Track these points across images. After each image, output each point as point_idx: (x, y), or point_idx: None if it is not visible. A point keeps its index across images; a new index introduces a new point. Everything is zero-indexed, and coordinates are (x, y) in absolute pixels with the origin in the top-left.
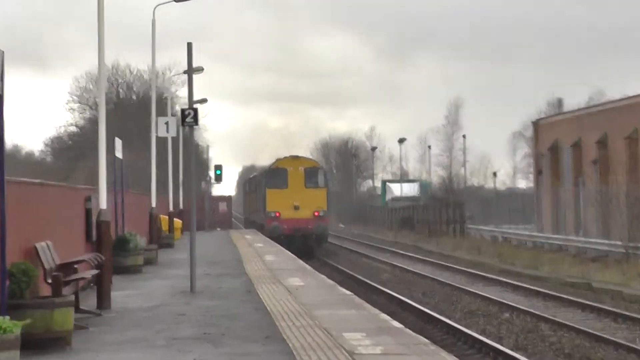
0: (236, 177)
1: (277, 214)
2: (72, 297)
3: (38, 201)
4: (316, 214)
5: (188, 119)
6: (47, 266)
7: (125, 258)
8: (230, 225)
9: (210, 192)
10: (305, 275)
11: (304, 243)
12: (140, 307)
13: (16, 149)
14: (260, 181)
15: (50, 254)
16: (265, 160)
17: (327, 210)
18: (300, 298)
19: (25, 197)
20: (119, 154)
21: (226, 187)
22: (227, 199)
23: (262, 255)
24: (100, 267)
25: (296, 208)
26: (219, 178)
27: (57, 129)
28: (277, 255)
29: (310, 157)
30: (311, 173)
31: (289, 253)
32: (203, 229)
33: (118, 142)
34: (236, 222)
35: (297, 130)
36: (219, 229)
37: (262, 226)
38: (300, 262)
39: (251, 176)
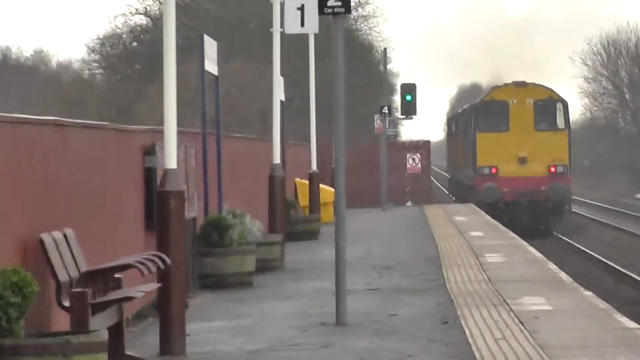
0: (445, 110)
1: (494, 171)
2: (106, 334)
3: (51, 155)
4: (552, 169)
5: (331, 1)
6: (62, 276)
7: (219, 260)
8: (428, 195)
9: (393, 136)
10: (556, 292)
11: (534, 213)
12: (238, 353)
13: (39, 57)
14: (467, 120)
15: (70, 253)
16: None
17: (569, 164)
18: (545, 336)
19: (26, 148)
20: (211, 66)
21: (424, 128)
22: (423, 148)
23: (479, 252)
24: (165, 279)
25: (522, 161)
26: (409, 108)
27: (111, 21)
28: (508, 254)
29: (542, 84)
30: (545, 108)
31: (534, 252)
32: (375, 203)
33: (211, 45)
34: (441, 188)
35: (555, 17)
36: (409, 202)
37: (472, 189)
38: (552, 266)
39: (459, 111)
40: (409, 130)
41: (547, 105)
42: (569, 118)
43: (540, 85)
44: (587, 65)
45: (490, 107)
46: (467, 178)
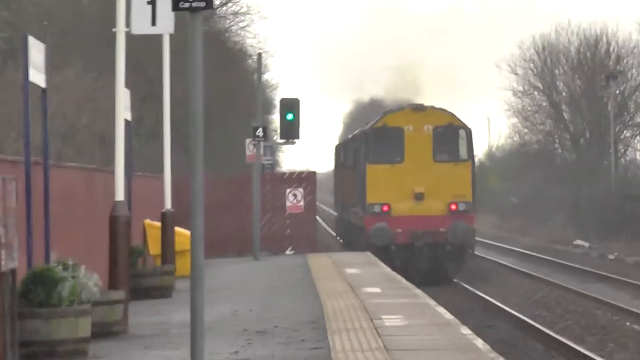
0: (337, 132)
1: (385, 208)
2: None
3: None
4: (453, 207)
5: None
6: None
7: (46, 323)
8: (313, 241)
9: (270, 166)
10: None
11: (433, 259)
12: None
13: None
14: (357, 149)
15: None
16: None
17: (473, 201)
18: None
19: None
20: (37, 75)
21: (310, 156)
22: (307, 181)
23: (374, 313)
24: None
25: (419, 197)
26: (290, 131)
27: None
28: (411, 316)
29: (443, 108)
30: (445, 136)
31: (443, 313)
32: (246, 251)
33: (38, 49)
34: (330, 232)
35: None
36: (289, 250)
37: (360, 229)
38: (466, 331)
39: (349, 137)
40: (292, 159)
41: (448, 132)
42: (472, 147)
43: (440, 109)
44: (517, 74)
45: (383, 135)
46: (355, 217)
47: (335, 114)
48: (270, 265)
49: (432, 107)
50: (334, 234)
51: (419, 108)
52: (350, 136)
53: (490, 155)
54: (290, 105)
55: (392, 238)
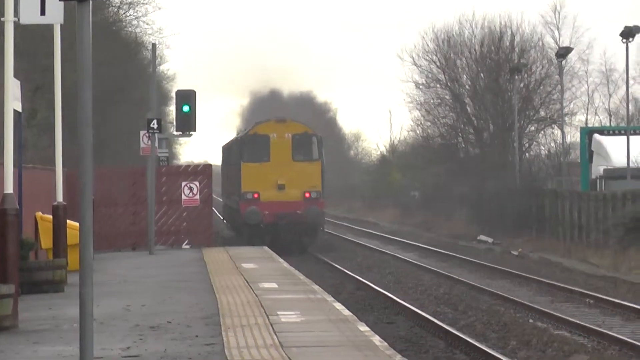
0: (236, 124)
1: (255, 196)
2: None
3: None
4: (307, 195)
5: None
6: None
7: None
8: (209, 234)
9: (166, 159)
10: None
11: (292, 234)
12: None
13: None
14: (236, 151)
15: None
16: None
17: (322, 190)
18: None
19: None
20: None
21: (208, 149)
22: (203, 174)
23: (270, 309)
24: None
25: (281, 187)
26: (187, 123)
27: None
28: (307, 312)
29: (299, 121)
30: (301, 141)
31: (341, 309)
32: (141, 245)
33: None
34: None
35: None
36: (186, 244)
37: (238, 212)
38: (363, 328)
39: (231, 140)
40: (190, 152)
41: (304, 139)
42: (322, 150)
43: (297, 121)
44: (419, 67)
45: (254, 140)
46: (234, 202)
47: (234, 106)
48: (166, 260)
49: (292, 120)
50: (221, 217)
51: (282, 120)
52: (232, 139)
53: (392, 149)
54: (187, 97)
55: (261, 218)
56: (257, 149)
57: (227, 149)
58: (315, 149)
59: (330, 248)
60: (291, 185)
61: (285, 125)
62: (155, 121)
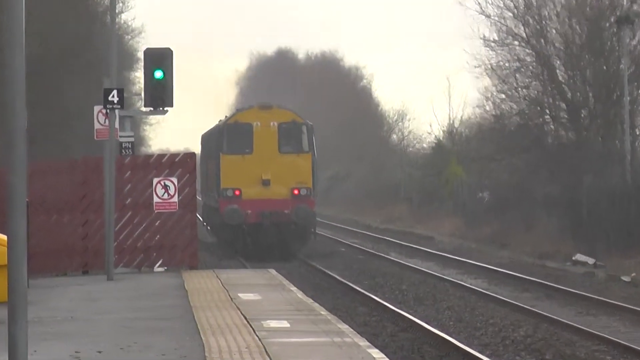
0: (232, 95)
1: (237, 192)
2: None
3: None
4: (295, 192)
5: None
6: None
7: None
8: (193, 251)
9: (130, 145)
10: None
11: (278, 236)
12: None
13: None
14: (214, 141)
15: None
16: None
17: (313, 187)
18: None
19: None
20: None
21: (192, 133)
22: (184, 167)
23: None
24: None
25: (265, 183)
26: (160, 95)
27: None
28: None
29: (286, 107)
30: (289, 130)
31: (381, 357)
32: (96, 267)
33: None
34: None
35: None
36: (158, 266)
37: (217, 211)
38: None
39: (210, 129)
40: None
41: (291, 128)
42: (313, 141)
43: (284, 108)
44: (490, 17)
45: (235, 130)
46: (213, 200)
47: (228, 73)
48: (131, 288)
49: (278, 106)
50: (201, 219)
51: (266, 107)
52: (210, 128)
53: (451, 132)
54: (160, 59)
55: (243, 218)
56: (239, 139)
57: (206, 139)
58: (305, 139)
59: (364, 271)
60: (277, 181)
61: (271, 113)
62: (115, 93)
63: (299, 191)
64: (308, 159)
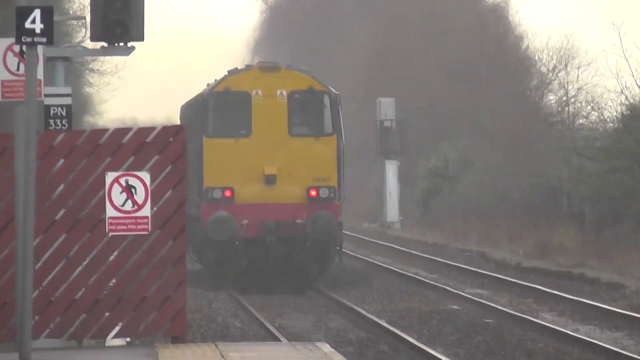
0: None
1: (227, 194)
2: None
3: None
4: (313, 192)
5: None
6: None
7: None
8: (178, 315)
9: (61, 112)
10: None
11: (288, 257)
12: None
13: None
14: (196, 118)
15: None
16: None
17: (339, 185)
18: None
19: None
20: None
21: (174, 104)
22: (164, 152)
23: None
24: None
25: (270, 181)
26: (120, 19)
27: None
28: None
29: (301, 68)
30: (304, 103)
31: None
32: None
33: None
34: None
35: None
36: (116, 336)
37: (198, 221)
38: None
39: (189, 100)
40: (128, 104)
41: (308, 99)
42: (339, 118)
43: (298, 69)
44: None
45: (225, 101)
46: (192, 205)
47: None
48: None
49: (288, 67)
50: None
51: (271, 68)
52: (190, 100)
53: (634, 111)
54: None
55: (235, 231)
56: (230, 115)
57: (185, 114)
58: (329, 115)
59: (495, 350)
60: (287, 177)
61: (278, 77)
62: (38, 14)
63: (317, 192)
64: (332, 144)
